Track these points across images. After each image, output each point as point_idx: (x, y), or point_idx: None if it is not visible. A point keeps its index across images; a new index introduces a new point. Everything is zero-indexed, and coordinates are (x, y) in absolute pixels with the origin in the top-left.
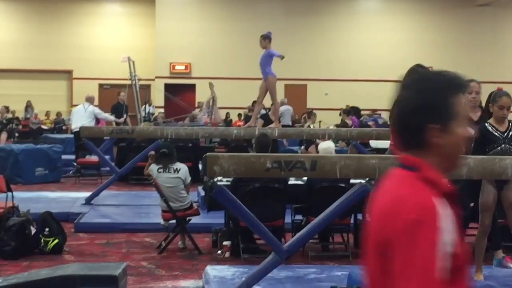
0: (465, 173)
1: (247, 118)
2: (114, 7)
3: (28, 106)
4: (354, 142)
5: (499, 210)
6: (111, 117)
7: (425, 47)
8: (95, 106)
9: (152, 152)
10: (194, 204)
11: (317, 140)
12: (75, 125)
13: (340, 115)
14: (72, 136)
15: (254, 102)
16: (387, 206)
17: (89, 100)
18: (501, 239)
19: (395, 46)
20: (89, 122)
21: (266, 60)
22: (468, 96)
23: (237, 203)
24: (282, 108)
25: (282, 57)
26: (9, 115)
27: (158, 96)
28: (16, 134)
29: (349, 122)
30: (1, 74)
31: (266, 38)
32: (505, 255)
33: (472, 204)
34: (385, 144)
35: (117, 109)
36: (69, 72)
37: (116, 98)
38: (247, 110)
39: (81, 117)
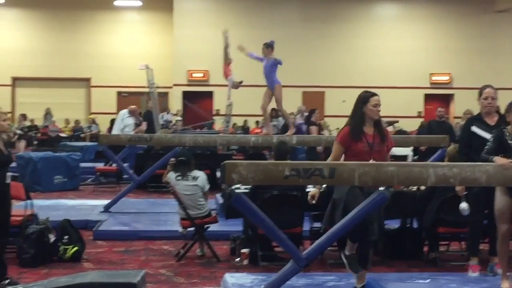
0: (484, 180)
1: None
2: (132, 15)
3: (47, 114)
4: None
5: None
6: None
7: (444, 53)
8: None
9: (173, 159)
10: (213, 212)
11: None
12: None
13: None
14: (90, 144)
15: (274, 109)
16: None
17: (131, 112)
18: None
19: (412, 53)
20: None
21: (272, 69)
22: (484, 102)
23: (255, 211)
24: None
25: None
26: (27, 123)
27: (176, 104)
28: (35, 142)
29: None
30: (20, 82)
31: (269, 47)
32: (497, 262)
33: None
34: (403, 151)
35: (148, 117)
36: (87, 80)
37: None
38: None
39: (116, 125)
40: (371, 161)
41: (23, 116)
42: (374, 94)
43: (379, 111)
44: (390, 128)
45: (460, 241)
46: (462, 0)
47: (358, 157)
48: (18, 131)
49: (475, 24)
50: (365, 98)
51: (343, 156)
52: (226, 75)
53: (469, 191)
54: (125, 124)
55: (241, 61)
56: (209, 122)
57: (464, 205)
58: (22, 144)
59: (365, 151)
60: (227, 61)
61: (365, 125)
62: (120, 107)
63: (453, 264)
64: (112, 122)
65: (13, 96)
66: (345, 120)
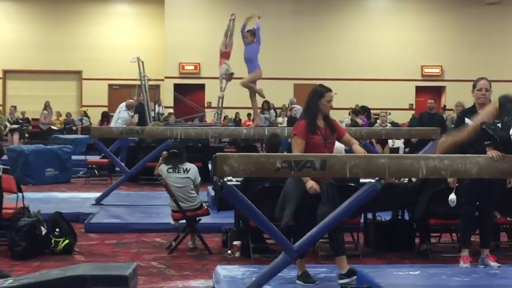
0: (475, 172)
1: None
2: (123, 8)
3: (47, 106)
4: (364, 142)
5: (499, 207)
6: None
7: (434, 45)
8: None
9: (165, 153)
10: (204, 204)
11: None
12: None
13: (349, 114)
14: (81, 136)
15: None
16: None
17: (128, 106)
18: (490, 238)
19: (404, 45)
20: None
21: (256, 54)
22: (478, 93)
23: (247, 203)
24: (298, 107)
25: None
26: (18, 115)
27: (167, 96)
28: (26, 135)
29: (359, 121)
30: (11, 75)
31: (253, 34)
32: (489, 254)
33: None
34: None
35: (140, 110)
36: (79, 73)
37: (126, 98)
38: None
39: (114, 118)
40: (325, 154)
41: (14, 108)
42: (329, 90)
43: (331, 107)
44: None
45: (451, 233)
46: None
47: (315, 149)
48: (13, 125)
49: (467, 17)
50: (320, 92)
51: None
52: (220, 64)
53: (461, 182)
54: (119, 116)
55: (233, 53)
56: (200, 114)
57: (453, 197)
58: (16, 136)
59: (321, 143)
60: (226, 48)
61: (318, 118)
62: (111, 100)
63: (445, 255)
64: (104, 114)
65: (4, 89)
66: (337, 112)
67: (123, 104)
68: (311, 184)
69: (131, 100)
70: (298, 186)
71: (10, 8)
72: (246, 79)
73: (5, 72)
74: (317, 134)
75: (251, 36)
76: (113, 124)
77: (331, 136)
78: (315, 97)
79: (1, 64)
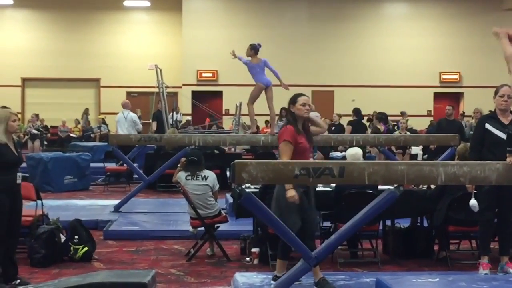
0: (494, 179)
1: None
2: (141, 16)
3: (85, 114)
4: (382, 148)
5: None
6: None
7: (452, 52)
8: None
9: (184, 159)
10: (223, 211)
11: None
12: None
13: (368, 121)
14: (100, 144)
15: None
16: None
17: (126, 106)
18: (510, 245)
19: (422, 52)
20: (133, 130)
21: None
22: (499, 99)
23: (265, 210)
24: (311, 115)
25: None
26: (39, 123)
27: (185, 104)
28: (45, 143)
29: (380, 128)
30: (30, 83)
31: (252, 49)
32: (508, 261)
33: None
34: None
35: (158, 117)
36: (97, 80)
37: (144, 106)
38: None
39: (123, 126)
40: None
41: (36, 116)
42: (302, 94)
43: (308, 110)
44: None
45: (470, 240)
46: None
47: (302, 154)
48: (34, 131)
49: (484, 23)
50: (293, 99)
51: None
52: None
53: (480, 189)
54: (133, 120)
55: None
56: (215, 121)
57: (474, 202)
58: (37, 143)
59: (307, 148)
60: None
61: (299, 124)
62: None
63: (464, 262)
64: None
65: (23, 96)
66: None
67: (125, 111)
68: (292, 193)
69: (125, 100)
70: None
71: (28, 17)
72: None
73: (24, 80)
74: (303, 138)
75: (250, 51)
76: (120, 133)
77: (310, 141)
78: (289, 105)
79: (20, 72)
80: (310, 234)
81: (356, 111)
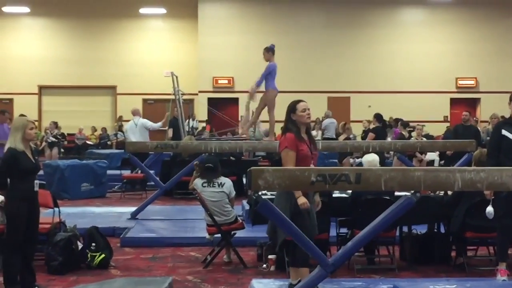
0: None
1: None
2: (157, 23)
3: (119, 121)
4: (399, 155)
5: None
6: (158, 124)
7: (469, 57)
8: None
9: (197, 162)
10: (239, 218)
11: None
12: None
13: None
14: (116, 151)
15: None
16: None
17: (136, 113)
18: None
19: (438, 57)
20: (143, 136)
21: (270, 73)
22: None
23: (281, 217)
24: (326, 121)
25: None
26: (57, 131)
27: (201, 110)
28: (62, 150)
29: (405, 134)
30: (47, 91)
31: (269, 51)
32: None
33: None
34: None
35: (174, 124)
36: (113, 88)
37: (160, 113)
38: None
39: (135, 133)
40: (311, 166)
41: (55, 124)
42: (300, 101)
43: (309, 114)
44: (413, 133)
45: (488, 246)
46: (488, 3)
47: (304, 162)
48: (52, 138)
49: (501, 28)
50: (292, 106)
51: None
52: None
53: (497, 195)
54: (145, 126)
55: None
56: (231, 128)
57: (490, 209)
58: (55, 151)
59: (309, 155)
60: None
61: (301, 131)
62: (146, 115)
63: (481, 269)
64: None
65: (39, 104)
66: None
67: (136, 117)
68: (303, 200)
69: (135, 107)
70: (287, 201)
71: (45, 25)
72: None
73: (41, 87)
74: (305, 145)
75: (267, 53)
76: (134, 138)
77: (314, 148)
78: (288, 112)
79: (36, 80)
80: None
81: (378, 117)
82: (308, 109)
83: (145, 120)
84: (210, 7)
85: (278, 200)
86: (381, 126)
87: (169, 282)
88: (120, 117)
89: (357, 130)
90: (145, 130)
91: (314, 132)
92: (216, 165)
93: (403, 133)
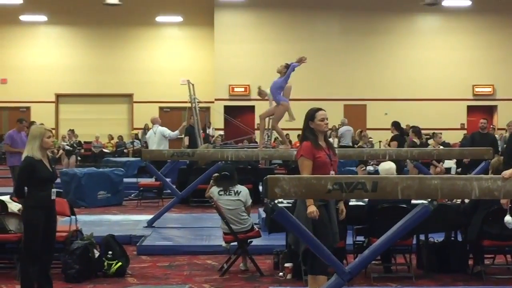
0: None
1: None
2: (173, 31)
3: (146, 129)
4: (415, 162)
5: None
6: (175, 133)
7: (485, 64)
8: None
9: (216, 175)
10: (255, 226)
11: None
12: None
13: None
14: (133, 159)
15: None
16: None
17: (155, 121)
18: None
19: (454, 65)
20: (163, 145)
21: (278, 89)
22: None
23: (298, 225)
24: (343, 129)
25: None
26: (74, 139)
27: (217, 118)
28: (79, 158)
29: (417, 141)
30: (64, 99)
31: (287, 68)
32: None
33: None
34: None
35: (190, 132)
36: (130, 96)
37: (177, 121)
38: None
39: (154, 142)
40: (331, 173)
41: (72, 132)
42: (319, 109)
43: (327, 124)
44: (431, 141)
45: (505, 254)
46: (504, 10)
47: (322, 169)
48: (67, 147)
49: None
50: (311, 114)
51: None
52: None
53: None
54: (163, 134)
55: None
56: (248, 136)
57: (509, 218)
58: (72, 159)
59: (327, 162)
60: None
61: (319, 139)
62: (162, 123)
63: (499, 277)
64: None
65: (56, 112)
66: (388, 133)
67: (155, 126)
68: (312, 209)
69: (154, 116)
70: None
71: (62, 33)
72: (264, 112)
73: (58, 96)
74: (323, 152)
75: (284, 69)
76: (153, 146)
77: (333, 155)
78: (307, 120)
79: (53, 88)
80: (329, 248)
81: (396, 125)
82: (327, 119)
83: (164, 129)
84: (226, 15)
85: (300, 208)
86: (399, 134)
87: None
88: (146, 125)
89: (374, 137)
90: (163, 138)
91: (330, 140)
92: (232, 173)
93: (415, 140)
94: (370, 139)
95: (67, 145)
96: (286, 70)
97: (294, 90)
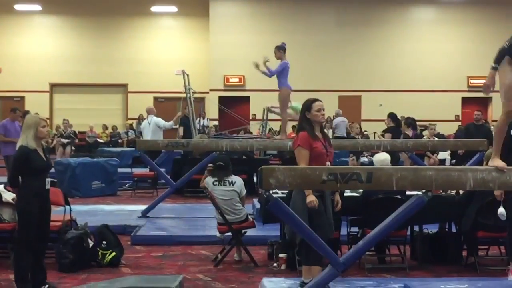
0: None
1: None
2: (168, 21)
3: (141, 119)
4: (410, 154)
5: None
6: (170, 123)
7: (480, 56)
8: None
9: (211, 165)
10: (250, 217)
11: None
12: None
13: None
14: (127, 149)
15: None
16: None
17: (151, 112)
18: None
19: (449, 56)
20: (157, 135)
21: (282, 72)
22: None
23: (292, 216)
24: (337, 120)
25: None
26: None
27: (212, 109)
28: (73, 148)
29: (409, 133)
30: (58, 89)
31: (281, 49)
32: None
33: None
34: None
35: (185, 123)
36: (124, 86)
37: (171, 111)
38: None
39: (149, 132)
40: (327, 164)
41: (67, 121)
42: (316, 100)
43: (324, 114)
44: (425, 132)
45: (499, 246)
46: (499, 2)
47: (318, 159)
48: (63, 141)
49: None
50: (307, 105)
51: None
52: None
53: (508, 195)
54: (158, 125)
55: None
56: (243, 127)
57: (502, 210)
58: (67, 149)
59: (324, 152)
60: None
61: (315, 130)
62: (157, 113)
63: (493, 268)
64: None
65: (51, 102)
66: (382, 124)
67: (149, 116)
68: (311, 198)
69: (149, 106)
70: (304, 201)
71: (56, 23)
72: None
73: (52, 85)
74: (319, 142)
75: (278, 52)
76: (148, 136)
77: (329, 146)
78: (303, 110)
79: (48, 78)
80: (324, 238)
81: (393, 117)
82: (323, 109)
83: (158, 119)
84: (222, 5)
85: (295, 199)
86: (396, 126)
87: (179, 281)
88: (140, 115)
89: (368, 128)
90: (158, 129)
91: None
92: (227, 164)
93: (407, 132)
94: (365, 132)
95: (65, 137)
96: (280, 54)
97: (292, 81)
